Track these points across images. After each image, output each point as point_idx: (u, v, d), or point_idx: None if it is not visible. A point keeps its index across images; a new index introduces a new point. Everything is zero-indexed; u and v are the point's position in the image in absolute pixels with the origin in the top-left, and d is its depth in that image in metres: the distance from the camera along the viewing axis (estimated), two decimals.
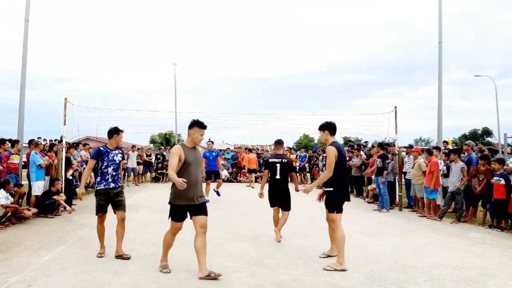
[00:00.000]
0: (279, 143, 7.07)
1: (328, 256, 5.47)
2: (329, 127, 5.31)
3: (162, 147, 24.13)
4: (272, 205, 6.88)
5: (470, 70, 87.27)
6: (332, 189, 5.15)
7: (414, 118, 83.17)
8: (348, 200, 5.34)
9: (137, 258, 5.44)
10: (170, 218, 4.84)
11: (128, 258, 5.37)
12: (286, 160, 6.82)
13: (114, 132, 5.62)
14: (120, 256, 5.40)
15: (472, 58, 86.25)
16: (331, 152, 5.07)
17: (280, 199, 6.73)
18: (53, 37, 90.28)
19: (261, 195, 7.09)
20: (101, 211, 5.51)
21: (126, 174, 16.74)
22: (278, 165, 6.69)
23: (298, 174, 18.95)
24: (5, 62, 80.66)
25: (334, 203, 5.16)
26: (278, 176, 6.70)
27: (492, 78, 31.16)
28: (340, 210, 5.17)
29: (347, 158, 14.19)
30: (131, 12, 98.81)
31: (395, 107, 11.15)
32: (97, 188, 5.50)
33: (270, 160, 6.87)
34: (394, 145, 11.54)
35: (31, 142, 9.30)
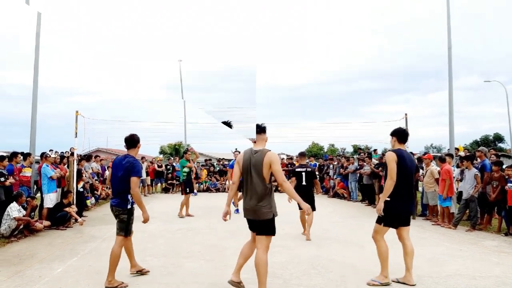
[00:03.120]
0: (302, 154, 8.44)
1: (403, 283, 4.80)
2: (397, 134, 5.01)
3: (171, 158, 24.21)
4: (300, 208, 7.15)
5: (481, 75, 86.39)
6: (388, 199, 4.75)
7: (424, 124, 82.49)
8: (407, 215, 4.84)
9: (148, 269, 5.40)
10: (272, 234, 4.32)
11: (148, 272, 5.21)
12: (310, 169, 7.92)
13: (138, 140, 5.09)
14: (139, 272, 5.18)
15: (483, 63, 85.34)
16: (389, 157, 4.78)
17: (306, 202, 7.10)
18: (61, 50, 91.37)
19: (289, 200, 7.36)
20: (131, 231, 5.03)
21: None
22: (303, 173, 7.76)
23: None
24: (18, 77, 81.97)
25: (384, 215, 4.76)
26: (304, 183, 7.71)
27: (502, 83, 30.80)
28: (388, 224, 4.76)
29: (358, 166, 14.19)
30: (138, 24, 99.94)
31: (406, 114, 11.08)
32: (131, 207, 4.94)
33: (297, 169, 7.97)
34: None
35: (42, 155, 9.39)
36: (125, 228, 4.87)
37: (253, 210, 4.21)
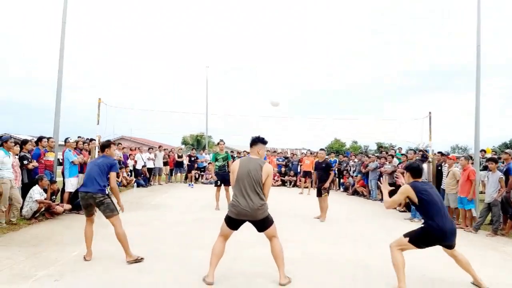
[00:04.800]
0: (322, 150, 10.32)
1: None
2: (410, 169, 4.79)
3: (194, 148, 24.40)
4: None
5: None
6: (423, 225, 4.59)
7: (455, 124, 79.40)
8: (437, 243, 4.55)
9: (160, 257, 5.47)
10: (273, 221, 4.80)
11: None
12: (324, 164, 9.73)
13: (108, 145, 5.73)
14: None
15: None
16: (401, 189, 4.67)
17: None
18: (94, 40, 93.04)
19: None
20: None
21: (152, 174, 17.00)
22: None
23: None
24: (47, 63, 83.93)
25: (414, 233, 4.60)
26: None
27: None
28: (413, 242, 4.53)
29: (379, 164, 13.95)
30: (165, 15, 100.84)
31: (430, 112, 10.80)
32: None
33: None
34: (428, 152, 11.16)
35: (66, 140, 9.60)
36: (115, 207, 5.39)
37: (253, 212, 4.48)
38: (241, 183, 4.50)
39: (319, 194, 9.45)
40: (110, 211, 5.29)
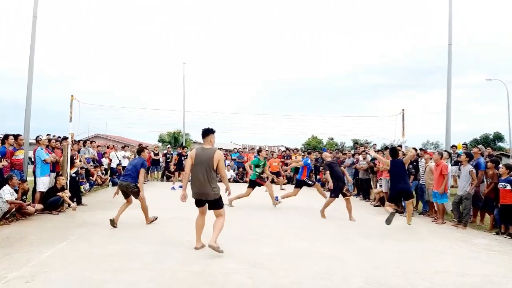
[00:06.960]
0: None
1: None
2: (389, 152, 8.67)
3: (170, 146, 24.09)
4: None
5: (487, 73, 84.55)
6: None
7: (429, 121, 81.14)
8: (398, 194, 8.40)
9: (137, 256, 5.41)
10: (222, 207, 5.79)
11: None
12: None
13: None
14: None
15: (490, 60, 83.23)
16: (387, 161, 8.62)
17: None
18: (66, 37, 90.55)
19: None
20: None
21: None
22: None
23: None
24: (17, 60, 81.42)
25: (388, 195, 8.85)
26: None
27: (505, 82, 30.10)
28: (390, 200, 8.43)
29: (355, 160, 14.21)
30: (141, 11, 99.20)
31: (403, 109, 11.00)
32: None
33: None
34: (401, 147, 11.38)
35: (37, 138, 9.33)
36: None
37: (206, 192, 5.48)
38: (198, 170, 5.47)
39: (342, 195, 9.26)
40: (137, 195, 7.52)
